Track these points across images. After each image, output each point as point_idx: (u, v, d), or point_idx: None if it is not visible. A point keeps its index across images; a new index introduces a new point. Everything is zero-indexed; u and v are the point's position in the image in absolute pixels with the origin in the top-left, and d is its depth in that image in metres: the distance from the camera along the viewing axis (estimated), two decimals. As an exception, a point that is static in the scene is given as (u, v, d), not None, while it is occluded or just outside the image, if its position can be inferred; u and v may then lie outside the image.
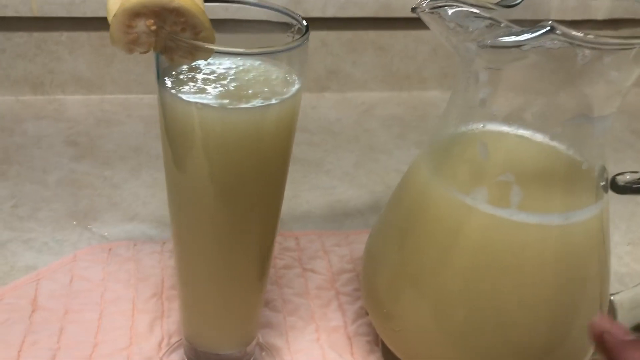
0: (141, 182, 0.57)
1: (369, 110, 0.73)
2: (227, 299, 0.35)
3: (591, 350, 0.37)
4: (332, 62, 0.73)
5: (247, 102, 0.28)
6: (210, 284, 0.35)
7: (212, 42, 0.27)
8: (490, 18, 0.30)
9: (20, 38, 0.65)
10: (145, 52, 0.27)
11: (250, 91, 0.29)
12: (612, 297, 0.40)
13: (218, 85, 0.29)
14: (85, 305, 0.43)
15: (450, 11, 0.31)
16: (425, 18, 0.32)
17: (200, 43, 0.26)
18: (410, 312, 0.36)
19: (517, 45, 0.30)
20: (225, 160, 0.29)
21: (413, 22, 0.72)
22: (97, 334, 0.41)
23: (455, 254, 0.34)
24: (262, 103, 0.28)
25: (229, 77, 0.29)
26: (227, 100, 0.28)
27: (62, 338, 0.41)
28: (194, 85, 0.28)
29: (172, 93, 0.28)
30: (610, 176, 0.35)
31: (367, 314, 0.44)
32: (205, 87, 0.28)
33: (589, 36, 0.28)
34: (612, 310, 0.40)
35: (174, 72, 0.29)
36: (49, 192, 0.54)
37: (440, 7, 0.31)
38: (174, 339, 0.42)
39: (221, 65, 0.30)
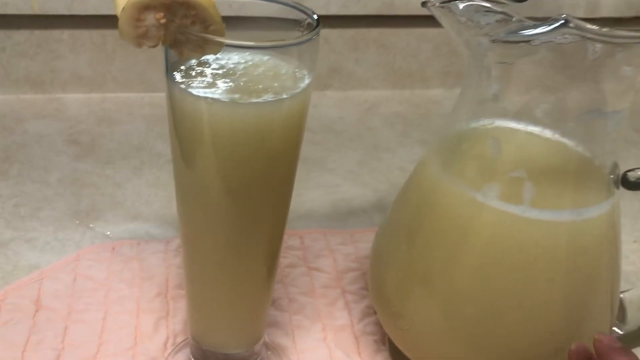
0: (144, 181, 0.56)
1: (371, 108, 0.73)
2: (235, 297, 0.35)
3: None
4: (335, 60, 0.73)
5: (258, 97, 0.28)
6: (219, 281, 0.34)
7: (222, 35, 0.26)
8: (502, 12, 0.30)
9: (21, 36, 0.64)
10: (154, 46, 0.27)
11: (260, 86, 0.28)
12: (621, 295, 0.40)
13: (228, 80, 0.28)
14: (90, 304, 0.43)
15: (461, 5, 0.31)
16: (436, 13, 0.32)
17: (211, 36, 0.26)
18: (420, 310, 0.36)
19: (527, 40, 0.30)
20: (235, 155, 0.29)
21: (416, 20, 0.72)
22: (102, 334, 0.41)
23: (466, 251, 0.34)
24: (273, 98, 0.28)
25: (238, 72, 0.29)
26: (238, 95, 0.28)
27: (67, 338, 0.40)
28: (204, 80, 0.28)
29: (181, 88, 0.28)
30: (621, 172, 0.35)
31: (374, 312, 0.44)
32: (215, 81, 0.28)
33: (603, 29, 0.28)
34: (621, 308, 0.40)
35: (182, 67, 0.29)
36: (50, 191, 0.54)
37: (450, 1, 0.31)
38: (180, 339, 0.41)
39: (230, 60, 0.29)
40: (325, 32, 0.74)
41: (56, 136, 0.61)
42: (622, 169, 0.35)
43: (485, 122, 0.34)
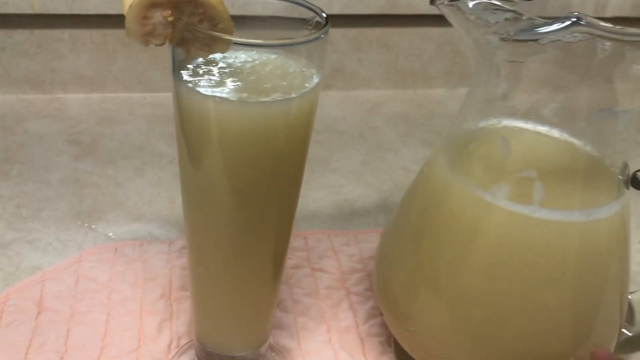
0: (146, 181, 0.56)
1: (374, 108, 0.73)
2: (241, 298, 0.35)
3: (611, 350, 0.36)
4: (337, 59, 0.73)
5: (267, 96, 0.27)
6: (224, 282, 0.34)
7: (231, 34, 0.26)
8: (511, 10, 0.30)
9: (21, 36, 0.64)
10: (161, 44, 0.26)
11: (268, 85, 0.28)
12: (630, 297, 0.39)
13: (235, 79, 0.28)
14: (92, 306, 0.42)
15: (470, 3, 0.30)
16: (445, 10, 0.32)
17: (219, 34, 0.25)
18: (427, 311, 0.36)
19: (536, 39, 0.30)
20: (242, 155, 0.28)
21: (419, 19, 0.72)
22: (105, 336, 0.40)
23: (474, 252, 0.33)
24: (281, 97, 0.27)
25: (245, 71, 0.28)
26: (246, 94, 0.27)
27: (69, 340, 0.40)
28: (211, 79, 0.28)
29: (188, 87, 0.27)
30: (631, 172, 0.35)
31: (380, 314, 0.44)
32: (223, 80, 0.28)
33: (616, 27, 0.27)
34: (630, 310, 0.39)
35: (189, 65, 0.28)
36: (52, 192, 0.53)
37: (460, -1, 0.31)
38: (184, 341, 0.41)
39: (237, 58, 0.29)
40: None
41: (57, 136, 0.61)
42: (632, 169, 0.34)
43: (494, 122, 0.34)
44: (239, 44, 0.26)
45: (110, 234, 0.50)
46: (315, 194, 0.57)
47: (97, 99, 0.68)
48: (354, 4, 0.68)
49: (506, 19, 0.30)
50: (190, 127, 0.29)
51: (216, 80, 0.28)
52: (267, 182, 0.30)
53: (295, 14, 0.30)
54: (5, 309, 0.41)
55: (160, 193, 0.55)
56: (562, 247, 0.32)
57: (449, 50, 0.75)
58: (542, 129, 0.33)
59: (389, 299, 0.39)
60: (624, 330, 0.39)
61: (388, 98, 0.75)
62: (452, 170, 0.35)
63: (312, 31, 0.29)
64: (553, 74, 0.31)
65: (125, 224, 0.51)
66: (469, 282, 0.34)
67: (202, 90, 0.27)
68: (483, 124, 0.34)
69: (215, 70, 0.28)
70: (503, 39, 0.30)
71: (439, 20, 0.33)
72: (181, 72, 0.28)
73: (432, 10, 0.32)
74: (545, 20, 0.29)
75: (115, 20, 0.64)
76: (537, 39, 0.30)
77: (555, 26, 0.28)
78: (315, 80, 0.29)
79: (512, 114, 0.33)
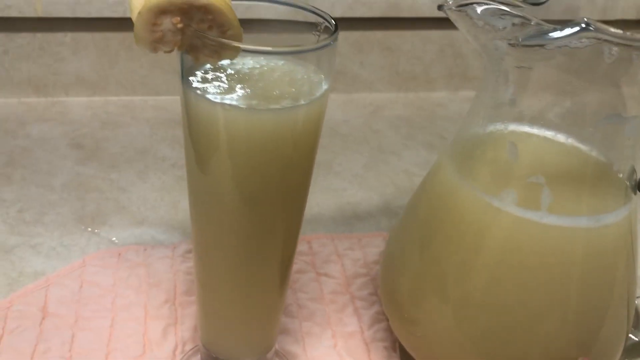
0: (149, 185, 0.56)
1: (376, 111, 0.73)
2: (247, 304, 0.34)
3: (618, 355, 0.36)
4: (339, 62, 0.73)
5: (276, 104, 0.27)
6: (232, 289, 0.34)
7: (240, 40, 0.26)
8: (520, 16, 0.30)
9: (23, 39, 0.64)
10: (170, 51, 0.26)
11: (277, 92, 0.28)
12: (637, 301, 0.39)
13: (244, 85, 0.28)
14: (97, 311, 0.42)
15: (479, 9, 0.30)
16: (452, 16, 0.32)
17: (229, 41, 0.25)
18: (433, 317, 0.36)
19: (542, 44, 0.29)
20: (251, 162, 0.28)
21: (420, 22, 0.72)
22: (110, 342, 0.40)
23: (482, 258, 0.33)
24: (291, 104, 0.27)
25: (254, 77, 0.28)
26: (255, 101, 0.27)
27: (74, 346, 0.40)
28: (220, 85, 0.28)
29: (197, 93, 0.27)
30: (638, 176, 0.34)
31: (385, 319, 0.43)
32: (231, 87, 0.28)
33: (626, 33, 0.27)
34: (636, 314, 0.39)
35: (198, 72, 0.28)
36: (54, 196, 0.53)
37: (468, 4, 0.31)
38: (188, 346, 0.41)
39: (245, 64, 0.29)
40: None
41: (59, 140, 0.61)
42: (638, 172, 0.34)
43: (502, 127, 0.34)
44: (248, 51, 0.26)
45: (114, 238, 0.49)
46: (318, 197, 0.57)
47: (99, 102, 0.68)
48: (356, 7, 0.68)
49: (514, 24, 0.30)
50: (198, 133, 0.28)
51: (224, 87, 0.28)
52: (275, 189, 0.30)
53: (302, 18, 0.30)
54: (9, 314, 0.41)
55: (164, 197, 0.54)
56: (569, 253, 0.32)
57: (450, 53, 0.75)
58: (550, 134, 0.33)
59: (395, 304, 0.38)
60: (630, 335, 0.39)
61: (390, 101, 0.75)
62: (460, 175, 0.35)
63: (321, 36, 0.29)
64: (561, 80, 0.31)
65: (129, 228, 0.50)
66: (476, 287, 0.34)
67: (210, 97, 0.27)
68: (491, 128, 0.34)
69: (223, 76, 0.28)
70: (511, 45, 0.30)
71: (440, 23, 0.33)
72: (189, 78, 0.28)
73: (434, 13, 0.32)
74: (554, 26, 0.29)
75: (117, 24, 0.64)
76: (543, 45, 0.29)
77: (565, 32, 0.28)
78: (324, 87, 0.28)
79: (520, 119, 0.33)
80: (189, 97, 0.28)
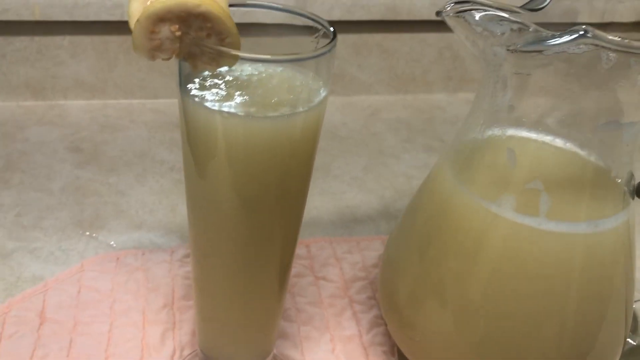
0: (147, 189, 0.56)
1: (375, 113, 0.73)
2: (246, 309, 0.34)
3: (616, 359, 0.36)
4: (338, 65, 0.73)
5: (275, 111, 0.27)
6: (230, 294, 0.34)
7: (238, 48, 0.26)
8: (519, 22, 0.30)
9: (21, 42, 0.64)
10: (168, 59, 0.26)
11: (275, 99, 0.28)
12: (634, 305, 0.39)
13: (242, 93, 0.28)
14: (95, 316, 0.42)
15: (477, 15, 0.30)
16: (451, 22, 0.32)
17: (227, 49, 0.25)
18: (432, 321, 0.36)
19: (540, 50, 0.30)
20: (249, 169, 0.28)
21: (419, 25, 0.72)
22: (108, 347, 0.40)
23: (480, 263, 0.33)
24: (289, 111, 0.27)
25: (252, 84, 0.28)
26: (254, 109, 0.27)
27: (72, 351, 0.40)
28: (218, 93, 0.27)
29: (195, 101, 0.27)
30: (636, 182, 0.35)
31: (383, 323, 0.43)
32: (230, 94, 0.28)
33: (624, 41, 0.27)
34: (634, 318, 0.39)
35: (196, 79, 0.28)
36: (53, 200, 0.53)
37: (466, 10, 0.31)
38: (187, 351, 0.41)
39: (243, 71, 0.29)
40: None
41: (58, 143, 0.61)
42: (636, 175, 0.34)
43: (500, 132, 0.34)
44: (246, 59, 0.26)
45: (112, 242, 0.49)
46: (317, 200, 0.57)
47: (98, 106, 0.68)
48: (354, 10, 0.68)
49: (512, 30, 0.30)
50: (196, 140, 0.28)
51: (223, 94, 0.28)
52: (274, 195, 0.30)
53: (301, 22, 0.30)
54: (7, 320, 0.41)
55: (162, 201, 0.54)
56: (568, 259, 0.32)
57: (448, 56, 0.75)
58: (549, 140, 0.33)
59: (394, 309, 0.38)
60: (628, 339, 0.39)
61: (388, 103, 0.75)
62: (458, 180, 0.35)
63: (320, 42, 0.29)
64: (559, 86, 0.31)
65: (127, 232, 0.50)
66: (475, 292, 0.34)
67: (209, 104, 0.27)
68: (489, 134, 0.34)
69: (221, 83, 0.28)
70: (510, 51, 0.30)
71: (438, 25, 0.33)
72: (187, 85, 0.28)
73: (432, 16, 0.32)
74: (553, 33, 0.29)
75: (115, 27, 0.64)
76: (541, 51, 0.30)
77: (563, 39, 0.28)
78: (323, 93, 0.28)
79: (519, 125, 0.33)
80: (187, 104, 0.28)
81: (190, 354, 0.40)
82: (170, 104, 0.68)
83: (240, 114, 0.27)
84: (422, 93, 0.77)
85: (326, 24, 0.29)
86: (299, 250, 0.50)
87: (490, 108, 0.33)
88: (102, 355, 0.40)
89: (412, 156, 0.65)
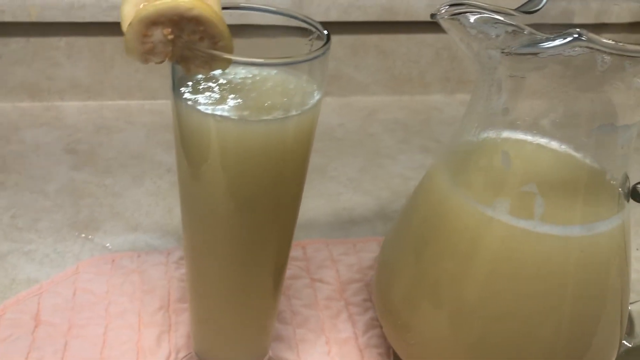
0: (144, 191, 0.56)
1: (371, 114, 0.73)
2: (241, 312, 0.34)
3: (612, 362, 0.36)
4: (335, 66, 0.72)
5: (268, 114, 0.27)
6: (224, 296, 0.34)
7: (231, 52, 0.26)
8: (513, 24, 0.29)
9: (17, 44, 0.64)
10: (161, 62, 0.26)
11: (269, 102, 0.28)
12: (630, 307, 0.39)
13: (236, 96, 0.28)
14: (90, 319, 0.42)
15: (471, 18, 0.30)
16: (445, 25, 0.31)
17: (220, 53, 0.25)
18: (427, 324, 0.36)
19: (536, 53, 0.29)
20: (243, 173, 0.28)
21: (416, 26, 0.72)
22: (103, 349, 0.40)
23: (475, 266, 0.33)
24: (283, 115, 0.27)
25: (246, 87, 0.28)
26: (247, 112, 0.27)
27: (67, 354, 0.40)
28: (211, 96, 0.27)
29: (188, 104, 0.27)
30: (630, 184, 0.34)
31: (379, 325, 0.43)
32: (223, 98, 0.27)
33: (618, 44, 0.27)
34: (629, 321, 0.39)
35: (189, 82, 0.28)
36: (48, 202, 0.53)
37: (461, 13, 0.30)
38: (182, 354, 0.41)
39: (237, 74, 0.29)
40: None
41: (54, 145, 0.61)
42: (630, 177, 0.34)
43: (495, 135, 0.34)
44: (239, 62, 0.25)
45: (108, 244, 0.49)
46: (313, 202, 0.57)
47: (94, 107, 0.67)
48: (351, 11, 0.68)
49: (507, 33, 0.30)
50: (190, 144, 0.28)
51: (216, 98, 0.27)
52: (268, 198, 0.30)
53: (295, 24, 0.30)
54: (1, 323, 0.41)
55: (158, 202, 0.54)
56: (563, 262, 0.32)
57: (446, 56, 0.75)
58: (544, 142, 0.33)
59: (389, 311, 0.38)
60: (624, 341, 0.39)
61: (385, 104, 0.75)
62: (453, 183, 0.34)
63: (314, 43, 0.29)
64: (554, 89, 0.31)
65: (123, 234, 0.50)
66: (470, 295, 0.34)
67: (202, 108, 0.27)
68: (484, 136, 0.34)
69: (215, 86, 0.28)
70: (504, 53, 0.30)
71: (436, 26, 0.33)
72: (181, 89, 0.28)
73: (429, 16, 0.32)
74: (547, 36, 0.29)
75: (112, 28, 0.64)
76: (536, 53, 0.29)
77: (557, 42, 0.28)
78: (317, 97, 0.28)
79: (513, 128, 0.33)
80: (181, 107, 0.28)
81: (186, 356, 0.40)
82: (168, 105, 0.68)
83: (233, 117, 0.27)
84: (419, 94, 0.77)
85: (319, 27, 0.28)
86: (295, 252, 0.50)
87: (485, 111, 0.33)
88: (97, 357, 0.40)
89: (408, 157, 0.65)
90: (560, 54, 0.29)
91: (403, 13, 0.70)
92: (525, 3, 0.34)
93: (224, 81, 0.28)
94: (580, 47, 0.28)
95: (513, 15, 0.33)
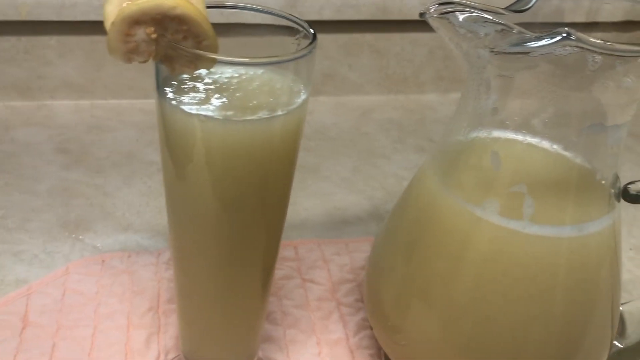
0: (135, 190, 0.55)
1: (365, 114, 0.72)
2: (229, 312, 0.34)
3: (603, 363, 0.36)
4: (328, 65, 0.72)
5: (253, 114, 0.27)
6: (212, 297, 0.33)
7: (215, 51, 0.25)
8: (502, 23, 0.29)
9: (8, 42, 0.63)
10: (145, 62, 0.26)
11: (254, 102, 0.27)
12: (621, 308, 0.39)
13: (221, 96, 0.27)
14: (79, 320, 0.42)
15: (460, 17, 0.30)
16: (434, 24, 0.31)
17: (203, 52, 0.25)
18: (417, 325, 0.35)
19: (526, 52, 0.29)
20: (229, 173, 0.28)
21: (410, 25, 0.72)
22: (91, 351, 0.40)
23: (465, 267, 0.33)
24: (268, 115, 0.27)
25: (231, 87, 0.28)
26: (232, 112, 0.27)
27: (55, 356, 0.39)
28: (196, 96, 0.27)
29: (172, 104, 0.27)
30: (621, 185, 0.34)
31: (370, 326, 0.43)
32: (208, 97, 0.27)
33: (607, 43, 0.27)
34: (621, 321, 0.39)
35: (174, 82, 0.28)
36: (39, 202, 0.53)
37: (450, 12, 0.30)
38: (171, 355, 0.40)
39: (223, 74, 0.28)
40: (318, 38, 0.73)
41: (45, 144, 0.60)
42: (620, 176, 0.34)
43: (485, 135, 0.33)
44: (223, 62, 0.25)
45: (98, 244, 0.49)
46: (306, 202, 0.56)
47: (86, 106, 0.67)
48: (344, 10, 0.68)
49: (496, 32, 0.30)
50: (174, 144, 0.28)
51: (201, 97, 0.27)
52: (254, 198, 0.30)
53: (282, 22, 0.30)
54: (-11, 324, 0.41)
55: (149, 202, 0.54)
56: (553, 262, 0.32)
57: (440, 56, 0.75)
58: (534, 142, 0.33)
59: (379, 312, 0.38)
60: (615, 342, 0.39)
61: (379, 104, 0.74)
62: (443, 184, 0.34)
63: (300, 42, 0.29)
64: (544, 88, 0.31)
65: (113, 234, 0.50)
66: (460, 296, 0.33)
67: (186, 108, 0.27)
68: (473, 136, 0.34)
69: (200, 86, 0.28)
70: (493, 52, 0.30)
71: (429, 25, 0.33)
72: (165, 88, 0.27)
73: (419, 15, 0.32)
74: (536, 35, 0.28)
75: (103, 27, 0.63)
76: (527, 52, 0.29)
77: (544, 41, 0.27)
78: (303, 96, 0.28)
79: (503, 127, 0.33)
80: (165, 107, 0.27)
81: (174, 358, 0.40)
82: (159, 105, 0.68)
83: (217, 117, 0.26)
84: (413, 93, 0.76)
85: (306, 26, 0.28)
86: (287, 252, 0.49)
87: (474, 110, 0.33)
88: (85, 359, 0.39)
89: (402, 157, 0.65)
90: (551, 53, 0.29)
91: (397, 12, 0.69)
92: (516, 2, 0.34)
93: (210, 81, 0.28)
94: (570, 46, 0.28)
95: (503, 14, 0.33)
